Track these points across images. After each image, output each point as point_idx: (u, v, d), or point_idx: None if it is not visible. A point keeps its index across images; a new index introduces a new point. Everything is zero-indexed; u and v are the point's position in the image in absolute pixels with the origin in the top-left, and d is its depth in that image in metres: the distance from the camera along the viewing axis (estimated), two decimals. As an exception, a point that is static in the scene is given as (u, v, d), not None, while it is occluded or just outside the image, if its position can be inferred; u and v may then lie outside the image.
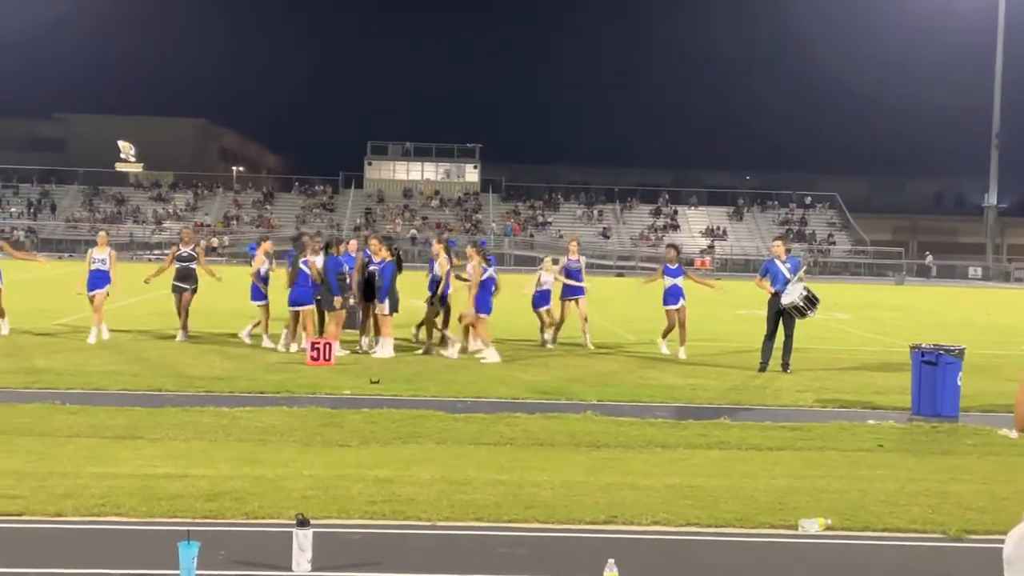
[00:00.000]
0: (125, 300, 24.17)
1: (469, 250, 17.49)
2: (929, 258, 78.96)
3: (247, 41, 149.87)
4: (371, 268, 17.19)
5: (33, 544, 6.79)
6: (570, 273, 18.60)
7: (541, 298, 18.50)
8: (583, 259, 19.04)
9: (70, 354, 15.94)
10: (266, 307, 17.64)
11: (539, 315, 18.60)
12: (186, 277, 18.14)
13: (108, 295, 17.95)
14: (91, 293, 17.60)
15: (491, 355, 16.57)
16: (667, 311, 18.01)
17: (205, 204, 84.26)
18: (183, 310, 18.04)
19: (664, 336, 18.25)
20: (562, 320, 18.73)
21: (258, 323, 17.75)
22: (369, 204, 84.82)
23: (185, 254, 18.22)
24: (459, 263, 17.84)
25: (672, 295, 17.90)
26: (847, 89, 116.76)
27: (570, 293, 18.63)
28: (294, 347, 17.00)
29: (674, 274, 17.98)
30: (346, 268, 16.97)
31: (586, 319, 18.81)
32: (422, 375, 14.74)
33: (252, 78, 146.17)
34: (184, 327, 18.03)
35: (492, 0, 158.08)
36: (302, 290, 16.76)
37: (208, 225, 78.57)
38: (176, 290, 18.21)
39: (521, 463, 9.36)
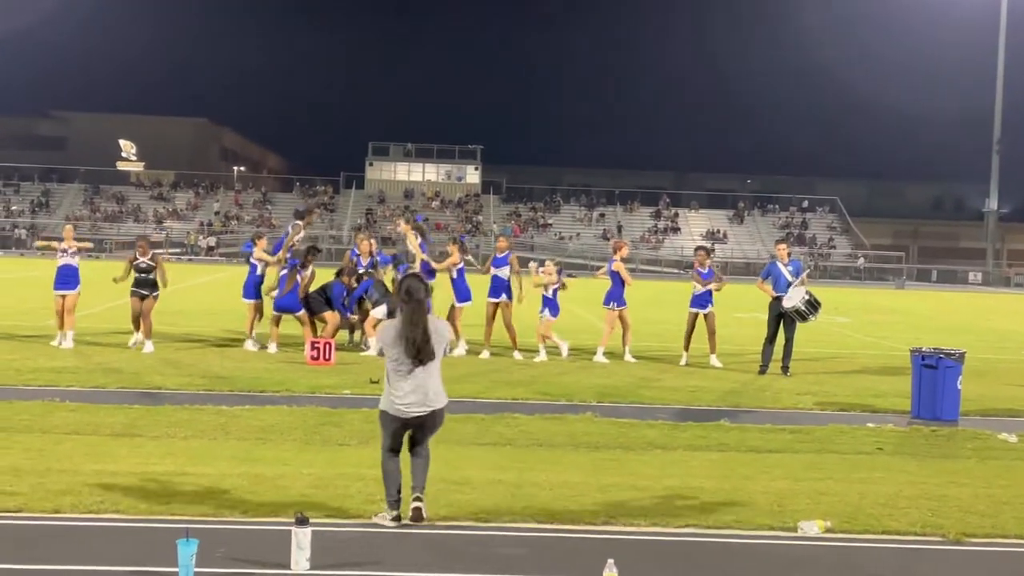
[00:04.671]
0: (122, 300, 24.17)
1: (451, 246, 17.66)
2: (860, 260, 79.54)
3: (249, 41, 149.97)
4: (359, 269, 17.62)
5: (31, 541, 6.77)
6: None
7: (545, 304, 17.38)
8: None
9: (69, 351, 15.93)
10: (259, 306, 17.36)
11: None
12: (145, 283, 16.73)
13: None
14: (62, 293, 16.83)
15: (460, 348, 17.28)
16: (691, 314, 17.35)
17: (206, 203, 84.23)
18: (144, 316, 16.59)
19: (686, 345, 17.36)
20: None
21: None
22: (370, 205, 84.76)
23: (143, 265, 16.77)
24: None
25: (699, 300, 17.31)
26: (848, 93, 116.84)
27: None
28: (272, 347, 16.84)
29: (705, 277, 17.32)
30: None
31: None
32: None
33: (254, 78, 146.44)
34: (146, 333, 16.56)
35: (495, 2, 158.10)
36: (292, 296, 16.73)
37: (209, 224, 78.56)
38: (135, 295, 16.74)
39: (520, 463, 9.35)
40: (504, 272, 17.39)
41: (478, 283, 17.85)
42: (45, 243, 17.29)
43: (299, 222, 17.55)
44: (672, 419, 12.00)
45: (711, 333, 17.32)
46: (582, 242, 79.39)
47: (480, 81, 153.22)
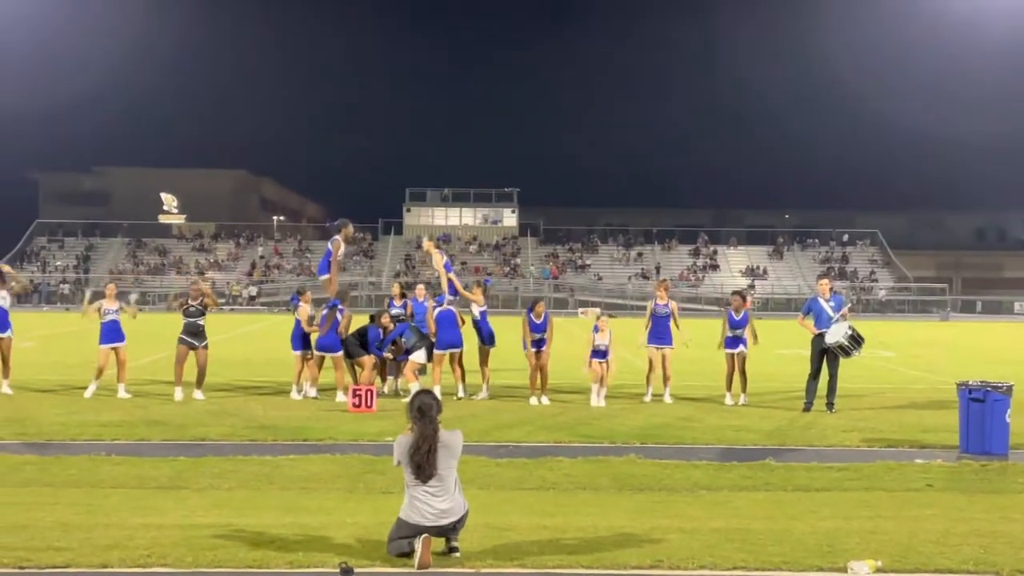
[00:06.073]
0: (164, 352, 24.38)
1: (475, 289, 17.76)
2: (882, 293, 78.92)
3: (285, 92, 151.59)
4: (393, 312, 18.03)
5: (80, 596, 6.80)
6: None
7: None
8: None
9: (113, 406, 16.05)
10: (306, 357, 17.45)
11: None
12: (196, 333, 16.88)
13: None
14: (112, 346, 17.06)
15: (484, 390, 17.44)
16: (727, 355, 17.30)
17: (246, 253, 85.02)
18: (200, 368, 16.77)
19: (728, 385, 17.28)
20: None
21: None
22: (408, 250, 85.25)
23: (193, 309, 16.86)
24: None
25: (731, 342, 17.21)
26: (886, 125, 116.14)
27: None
28: (312, 391, 17.17)
29: (737, 325, 17.16)
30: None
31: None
32: (463, 420, 14.70)
33: (291, 128, 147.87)
34: (199, 382, 16.83)
35: (528, 46, 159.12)
36: (332, 336, 16.88)
37: (249, 275, 79.24)
38: (184, 343, 16.86)
39: (564, 508, 9.30)
40: (543, 334, 17.04)
41: (504, 328, 17.96)
42: (91, 306, 17.38)
43: (337, 237, 16.95)
44: (716, 459, 11.90)
45: (740, 373, 17.18)
46: (634, 284, 79.15)
47: (516, 124, 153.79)
